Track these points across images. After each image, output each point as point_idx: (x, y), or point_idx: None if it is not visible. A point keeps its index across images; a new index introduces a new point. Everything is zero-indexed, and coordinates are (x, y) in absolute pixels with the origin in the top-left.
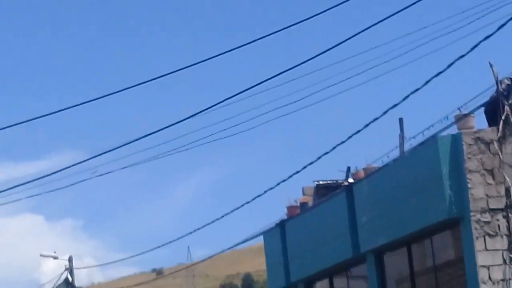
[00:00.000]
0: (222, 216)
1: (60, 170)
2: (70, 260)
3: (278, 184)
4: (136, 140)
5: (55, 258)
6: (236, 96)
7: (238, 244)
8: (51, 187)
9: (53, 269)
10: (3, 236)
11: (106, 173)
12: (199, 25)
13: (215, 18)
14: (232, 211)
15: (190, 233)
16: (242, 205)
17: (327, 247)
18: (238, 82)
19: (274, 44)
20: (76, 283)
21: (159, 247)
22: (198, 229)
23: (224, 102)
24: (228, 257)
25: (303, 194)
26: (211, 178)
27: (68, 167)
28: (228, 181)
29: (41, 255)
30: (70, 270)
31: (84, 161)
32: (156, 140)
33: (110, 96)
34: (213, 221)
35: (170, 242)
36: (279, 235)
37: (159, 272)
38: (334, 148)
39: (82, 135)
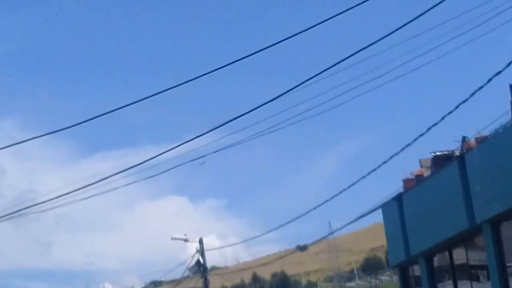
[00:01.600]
0: (340, 192)
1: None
2: (200, 242)
3: (391, 157)
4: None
5: (186, 240)
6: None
7: (356, 219)
8: (194, 169)
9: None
10: (150, 218)
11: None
12: None
13: None
14: (349, 187)
15: (318, 206)
16: (358, 180)
17: (443, 219)
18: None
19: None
20: (221, 263)
21: (296, 218)
22: (326, 201)
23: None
24: (371, 231)
25: (420, 166)
26: (354, 151)
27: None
28: (369, 153)
29: (172, 238)
30: (201, 251)
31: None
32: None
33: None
34: (334, 196)
35: (307, 213)
36: (397, 208)
37: (302, 249)
38: (443, 118)
39: (213, 115)
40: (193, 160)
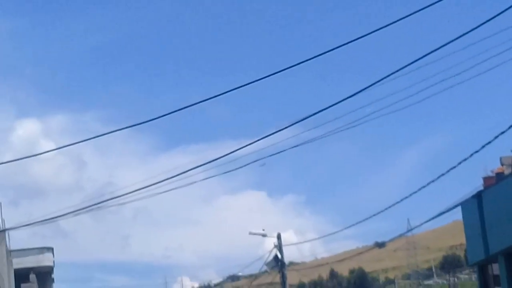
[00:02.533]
0: (420, 189)
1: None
2: (278, 237)
3: (472, 155)
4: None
5: (264, 235)
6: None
7: (435, 217)
8: (273, 163)
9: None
10: (229, 213)
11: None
12: None
13: None
14: (428, 184)
15: (397, 203)
16: (438, 178)
17: None
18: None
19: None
20: (299, 258)
21: (374, 215)
22: (405, 198)
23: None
24: (450, 228)
25: (501, 164)
26: (434, 148)
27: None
28: (446, 152)
29: (250, 233)
30: (279, 247)
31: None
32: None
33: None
34: (413, 193)
35: (385, 209)
36: (476, 206)
37: (381, 245)
38: None
39: (292, 110)
40: (271, 155)
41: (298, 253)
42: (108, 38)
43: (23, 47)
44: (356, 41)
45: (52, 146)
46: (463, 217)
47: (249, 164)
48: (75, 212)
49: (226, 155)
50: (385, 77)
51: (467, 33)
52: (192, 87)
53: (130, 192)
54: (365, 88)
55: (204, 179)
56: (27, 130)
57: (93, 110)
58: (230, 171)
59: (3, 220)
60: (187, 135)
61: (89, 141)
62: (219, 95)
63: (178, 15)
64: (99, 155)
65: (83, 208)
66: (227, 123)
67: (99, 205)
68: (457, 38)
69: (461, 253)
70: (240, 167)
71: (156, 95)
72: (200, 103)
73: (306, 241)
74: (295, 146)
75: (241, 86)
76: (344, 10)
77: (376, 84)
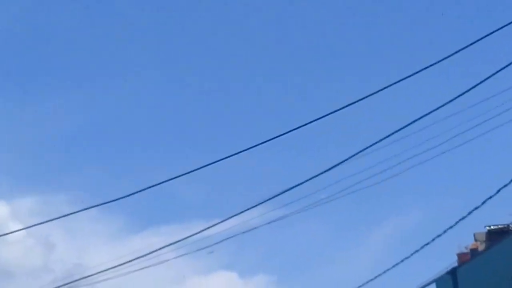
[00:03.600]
0: (393, 266)
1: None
2: None
3: (445, 231)
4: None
5: None
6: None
7: None
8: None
9: None
10: None
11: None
12: None
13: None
14: (402, 261)
15: (370, 280)
16: (412, 254)
17: None
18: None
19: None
20: None
21: None
22: (378, 275)
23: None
24: None
25: (475, 240)
26: (407, 224)
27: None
28: (418, 229)
29: None
30: None
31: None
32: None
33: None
34: (387, 270)
35: None
36: (451, 283)
37: None
38: (498, 191)
39: (262, 189)
40: (241, 233)
41: None
42: (76, 122)
43: None
44: (328, 116)
45: (21, 228)
46: None
47: (220, 242)
48: None
49: (197, 233)
50: (354, 155)
51: (437, 109)
52: (163, 168)
53: (100, 272)
54: (335, 165)
55: (176, 257)
56: None
57: (62, 192)
58: (202, 248)
59: None
60: (158, 216)
61: (57, 223)
62: (187, 173)
63: (147, 94)
64: (68, 237)
65: None
66: (198, 202)
67: (70, 284)
68: (429, 113)
69: None
70: (211, 245)
71: (126, 177)
72: (169, 183)
73: None
74: (267, 224)
75: (209, 164)
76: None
77: (348, 160)
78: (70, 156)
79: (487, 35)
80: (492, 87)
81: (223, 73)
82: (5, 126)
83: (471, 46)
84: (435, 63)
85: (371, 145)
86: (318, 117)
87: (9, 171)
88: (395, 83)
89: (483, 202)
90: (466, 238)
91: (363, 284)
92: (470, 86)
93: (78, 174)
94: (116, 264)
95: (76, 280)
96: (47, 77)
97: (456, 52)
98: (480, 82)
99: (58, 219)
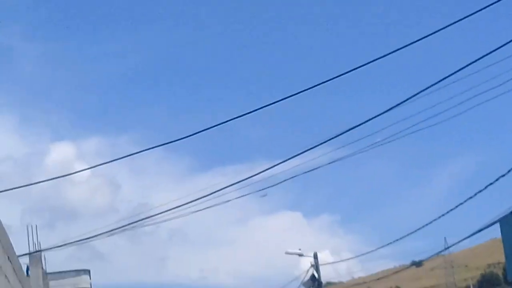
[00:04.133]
0: (457, 206)
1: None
2: (315, 256)
3: (509, 171)
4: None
5: (300, 255)
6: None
7: (473, 234)
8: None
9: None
10: (264, 233)
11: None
12: None
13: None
14: (465, 201)
15: (434, 220)
16: (475, 194)
17: None
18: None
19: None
20: (335, 278)
21: (410, 233)
22: (442, 215)
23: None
24: (488, 246)
25: None
26: (472, 164)
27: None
28: (483, 169)
29: (286, 253)
30: (316, 266)
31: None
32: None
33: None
34: (450, 210)
35: (421, 228)
36: None
37: (418, 264)
38: None
39: (326, 128)
40: (308, 171)
41: (334, 272)
42: (140, 60)
43: (56, 70)
44: (389, 55)
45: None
46: (502, 234)
47: (282, 182)
48: (110, 232)
49: (260, 173)
50: (419, 92)
51: (503, 45)
52: (226, 107)
53: (165, 211)
54: (399, 104)
55: (238, 197)
56: (61, 154)
57: (127, 132)
58: (264, 188)
59: (39, 242)
60: (223, 156)
61: (123, 163)
62: (250, 112)
63: (210, 33)
64: (134, 177)
65: (118, 228)
66: (262, 143)
67: (134, 224)
68: (498, 48)
69: (499, 271)
70: (274, 185)
71: (190, 116)
72: (232, 121)
73: (343, 260)
74: (329, 163)
75: (273, 103)
76: (383, 19)
77: (411, 99)
78: (134, 95)
79: None
80: None
81: (286, 15)
82: (68, 66)
83: None
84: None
85: (435, 83)
86: (382, 55)
87: (74, 110)
88: (458, 20)
89: None
90: None
91: (426, 224)
92: None
93: (142, 113)
94: (180, 204)
95: (141, 220)
96: (111, 17)
97: None
98: None
99: (123, 159)
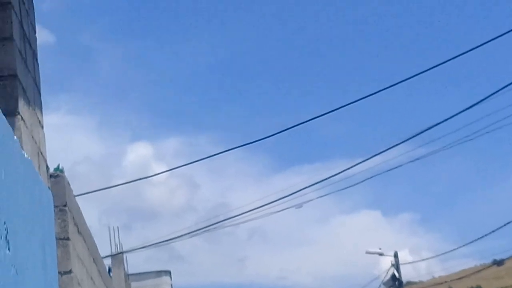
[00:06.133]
0: None
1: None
2: (395, 255)
3: None
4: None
5: (381, 254)
6: None
7: None
8: (388, 182)
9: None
10: (343, 232)
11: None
12: None
13: None
14: None
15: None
16: None
17: None
18: None
19: None
20: (415, 277)
21: (492, 232)
22: None
23: None
24: None
25: None
26: None
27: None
28: None
29: (367, 252)
30: (396, 265)
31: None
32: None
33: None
34: None
35: (503, 226)
36: None
37: (499, 263)
38: None
39: (405, 126)
40: (388, 170)
41: (414, 272)
42: (217, 59)
43: (134, 70)
44: (470, 52)
45: (165, 169)
46: None
47: (361, 182)
48: (191, 233)
49: (339, 173)
50: (498, 91)
51: None
52: (304, 106)
53: (245, 212)
54: (478, 103)
55: (318, 197)
56: (140, 154)
57: (206, 132)
58: (344, 188)
59: (120, 244)
60: (300, 155)
61: (202, 164)
62: (330, 112)
63: (288, 32)
64: (212, 177)
65: (199, 229)
66: (340, 141)
67: (214, 225)
68: None
69: None
70: (353, 185)
71: (267, 116)
72: (312, 121)
73: (423, 259)
74: (410, 162)
75: (351, 103)
76: (462, 15)
77: (490, 97)
78: (212, 94)
79: None
80: None
81: (373, 11)
82: (147, 63)
83: None
84: None
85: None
86: (463, 51)
87: (153, 110)
88: None
89: None
90: None
91: (508, 222)
92: None
93: (219, 114)
94: (261, 205)
95: (221, 221)
96: (186, 16)
97: None
98: None
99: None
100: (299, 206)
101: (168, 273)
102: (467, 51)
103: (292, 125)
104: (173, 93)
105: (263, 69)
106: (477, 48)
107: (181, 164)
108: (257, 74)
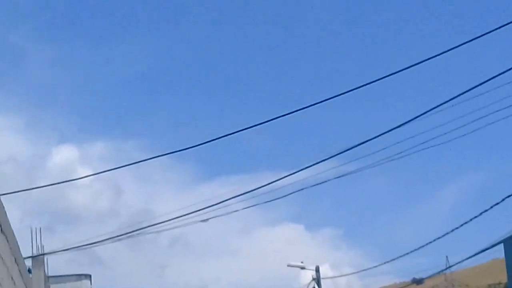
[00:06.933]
0: (462, 225)
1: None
2: (317, 270)
3: None
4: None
5: (303, 268)
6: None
7: (475, 254)
8: (313, 196)
9: (310, 279)
10: (266, 244)
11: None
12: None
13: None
14: (471, 220)
15: (437, 238)
16: (480, 214)
17: None
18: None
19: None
20: None
21: (412, 251)
22: (446, 234)
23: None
24: (489, 266)
25: None
26: (476, 184)
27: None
28: (488, 189)
29: (288, 265)
30: (317, 279)
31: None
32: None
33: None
34: (455, 229)
35: (424, 245)
36: None
37: (418, 282)
38: None
39: (331, 142)
40: (315, 185)
41: (334, 287)
42: (149, 66)
43: (65, 73)
44: (401, 72)
45: (90, 173)
46: (506, 255)
47: (288, 195)
48: (113, 238)
49: (266, 185)
50: (427, 111)
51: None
52: (233, 117)
53: (169, 220)
54: (407, 122)
55: (243, 208)
56: (65, 157)
57: (133, 138)
58: (270, 201)
59: (42, 246)
60: (227, 166)
61: (128, 169)
62: (258, 124)
63: (219, 43)
64: (137, 184)
65: (121, 235)
66: (267, 154)
67: (137, 232)
68: (503, 73)
69: None
70: (279, 198)
71: (195, 125)
72: (240, 132)
73: (344, 274)
74: (337, 177)
75: (281, 116)
76: (391, 38)
77: (419, 117)
78: (142, 101)
79: None
80: None
81: (293, 25)
82: (77, 67)
83: None
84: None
85: (443, 103)
86: (391, 73)
87: (81, 114)
88: (470, 40)
89: None
90: None
91: (430, 242)
92: None
93: (147, 120)
94: (185, 213)
95: (144, 227)
96: (119, 22)
97: None
98: None
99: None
100: (205, 220)
101: (88, 277)
102: (398, 71)
103: (219, 136)
104: (103, 98)
105: (194, 78)
106: (407, 70)
107: (107, 169)
108: (187, 83)
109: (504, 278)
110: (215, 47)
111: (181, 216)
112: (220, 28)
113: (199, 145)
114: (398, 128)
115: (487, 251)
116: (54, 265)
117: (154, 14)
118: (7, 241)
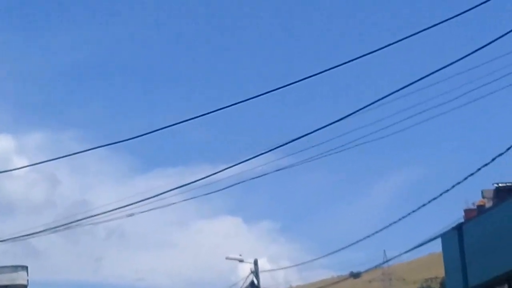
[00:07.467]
0: (400, 219)
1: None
2: (255, 263)
3: (453, 186)
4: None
5: (241, 261)
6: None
7: (413, 249)
8: (251, 189)
9: (248, 272)
10: (203, 237)
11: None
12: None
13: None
14: (408, 214)
15: (375, 233)
16: (418, 208)
17: (504, 251)
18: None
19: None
20: (272, 285)
21: (350, 245)
22: (384, 228)
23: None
24: (426, 261)
25: (483, 196)
26: (414, 179)
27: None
28: (426, 184)
29: (227, 258)
30: (256, 273)
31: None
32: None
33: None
34: (393, 223)
35: (362, 239)
36: (457, 239)
37: (356, 276)
38: (508, 149)
39: (270, 136)
40: (249, 179)
41: (272, 280)
42: (86, 56)
43: (1, 62)
44: (339, 67)
45: (26, 163)
46: (443, 249)
47: (225, 188)
48: (49, 230)
49: (203, 178)
50: (364, 107)
51: (452, 63)
52: (170, 109)
53: (105, 212)
54: (345, 117)
55: (181, 201)
56: (0, 147)
57: (70, 129)
58: (207, 194)
59: None
60: (165, 158)
61: (65, 161)
62: (196, 117)
63: (157, 34)
64: (74, 175)
65: (57, 227)
66: (205, 147)
67: (74, 223)
68: (441, 69)
69: (436, 286)
70: (217, 191)
71: (133, 117)
72: (177, 125)
73: (282, 268)
74: (276, 171)
75: (219, 109)
76: (328, 33)
77: (356, 113)
78: (79, 91)
79: None
80: (504, 46)
81: (234, 18)
82: (13, 57)
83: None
84: (447, 19)
85: (380, 99)
86: (330, 67)
87: (16, 103)
88: (407, 37)
89: (493, 159)
90: (473, 195)
91: (367, 236)
92: (480, 46)
93: (85, 111)
94: (121, 205)
95: (81, 219)
96: (55, 11)
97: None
98: (491, 42)
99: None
100: (131, 214)
101: (25, 268)
102: (338, 65)
103: (157, 128)
104: (40, 88)
105: (132, 69)
106: (345, 64)
107: (44, 160)
108: (125, 74)
109: (441, 273)
110: (153, 38)
111: (118, 209)
112: (157, 19)
113: (136, 137)
114: (337, 123)
115: (424, 245)
116: None
117: (91, 3)
118: None
